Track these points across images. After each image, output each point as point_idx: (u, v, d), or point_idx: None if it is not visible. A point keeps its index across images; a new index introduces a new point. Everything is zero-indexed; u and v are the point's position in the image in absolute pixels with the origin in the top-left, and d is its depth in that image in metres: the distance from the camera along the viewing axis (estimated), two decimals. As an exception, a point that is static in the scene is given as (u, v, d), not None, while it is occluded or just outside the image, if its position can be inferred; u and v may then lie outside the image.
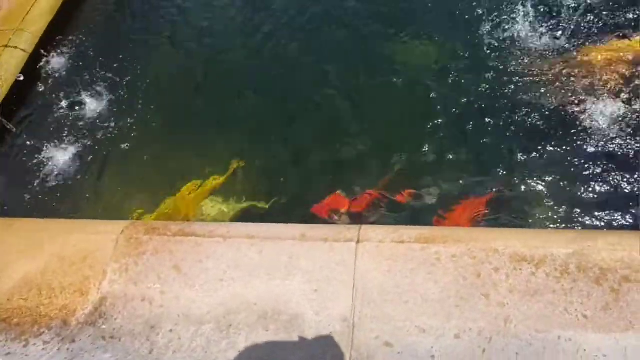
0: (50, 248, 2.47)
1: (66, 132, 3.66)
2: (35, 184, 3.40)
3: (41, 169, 3.48)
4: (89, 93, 3.87)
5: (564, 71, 2.86)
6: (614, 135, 2.57)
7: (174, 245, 2.36)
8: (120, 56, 4.10)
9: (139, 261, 2.33)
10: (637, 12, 3.01)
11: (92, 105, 3.81)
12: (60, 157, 3.54)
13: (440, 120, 3.03)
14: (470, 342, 1.79)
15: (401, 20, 3.67)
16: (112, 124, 3.68)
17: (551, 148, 2.64)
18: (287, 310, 2.02)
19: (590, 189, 2.45)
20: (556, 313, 1.79)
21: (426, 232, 2.12)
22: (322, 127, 3.37)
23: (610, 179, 2.46)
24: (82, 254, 2.43)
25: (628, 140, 2.54)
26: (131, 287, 2.25)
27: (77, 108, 3.82)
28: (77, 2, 4.54)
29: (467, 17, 3.45)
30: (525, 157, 2.71)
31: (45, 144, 3.58)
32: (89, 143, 3.59)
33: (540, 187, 2.58)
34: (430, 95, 3.18)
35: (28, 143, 3.61)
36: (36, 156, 3.55)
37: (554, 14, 3.23)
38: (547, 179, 2.55)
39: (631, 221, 2.30)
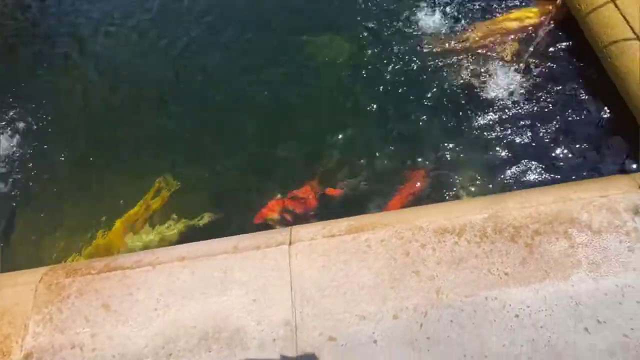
0: (-42, 312, 2.23)
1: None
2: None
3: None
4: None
5: (461, 48, 3.03)
6: (511, 103, 2.77)
7: (99, 282, 2.21)
8: (24, 85, 3.81)
9: (63, 307, 2.15)
10: None
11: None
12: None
13: (358, 109, 3.10)
14: (408, 320, 1.84)
15: (311, 19, 3.72)
16: (21, 161, 3.41)
17: (461, 121, 2.80)
18: (228, 327, 1.97)
19: (495, 153, 2.63)
20: (481, 276, 1.89)
21: (355, 222, 2.15)
22: (246, 132, 3.31)
23: (511, 141, 2.65)
24: (-3, 311, 2.21)
25: (523, 105, 2.75)
26: (58, 336, 2.08)
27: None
28: None
29: (372, 10, 3.55)
30: (439, 132, 2.84)
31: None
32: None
33: (459, 158, 2.72)
34: (347, 87, 3.25)
35: None
36: None
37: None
38: (462, 149, 2.70)
39: (537, 177, 2.49)
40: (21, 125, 3.62)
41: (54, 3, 4.46)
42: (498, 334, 1.73)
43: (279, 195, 2.95)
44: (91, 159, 3.44)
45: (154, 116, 3.56)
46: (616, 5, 2.55)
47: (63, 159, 3.45)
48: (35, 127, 3.61)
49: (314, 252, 2.09)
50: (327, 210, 2.81)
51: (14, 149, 3.51)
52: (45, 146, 3.50)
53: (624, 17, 2.50)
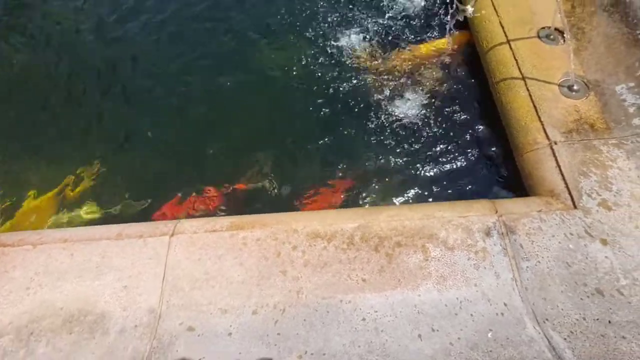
0: None
1: None
2: None
3: None
4: None
5: (383, 69, 3.23)
6: (415, 123, 2.97)
7: (-24, 257, 2.20)
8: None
9: None
10: (438, 22, 3.52)
11: None
12: None
13: (285, 114, 3.23)
14: (265, 316, 1.94)
15: (259, 29, 3.83)
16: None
17: (369, 134, 2.98)
18: (94, 310, 2.01)
19: (393, 167, 2.81)
20: (341, 280, 2.01)
21: (237, 220, 2.25)
22: (183, 126, 3.36)
23: (408, 156, 2.85)
24: None
25: (423, 127, 2.95)
26: None
27: None
28: None
29: (309, 28, 3.71)
30: (352, 143, 2.99)
31: None
32: None
33: (362, 169, 2.87)
34: (278, 91, 3.37)
35: None
36: None
37: (381, 24, 3.61)
38: (364, 161, 2.87)
39: (420, 193, 2.67)
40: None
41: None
42: (342, 335, 1.86)
43: (179, 195, 2.98)
44: (19, 133, 3.41)
45: (90, 101, 3.56)
46: (510, 47, 2.79)
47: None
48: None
49: (193, 245, 2.16)
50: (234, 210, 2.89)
51: None
52: None
53: (515, 58, 2.74)
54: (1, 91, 3.67)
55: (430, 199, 2.64)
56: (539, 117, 2.48)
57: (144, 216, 2.92)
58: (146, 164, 3.23)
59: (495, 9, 2.96)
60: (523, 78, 2.65)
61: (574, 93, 2.58)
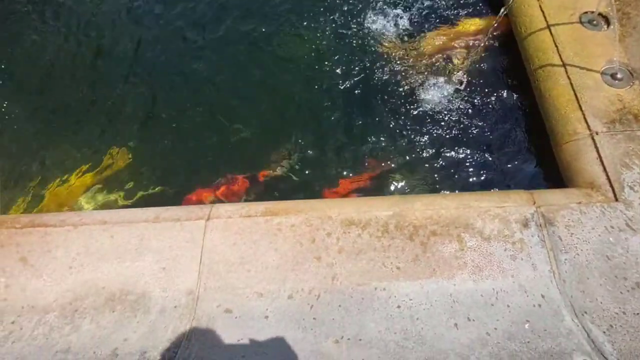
0: None
1: None
2: None
3: None
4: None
5: (411, 54, 3.16)
6: (446, 110, 2.91)
7: (21, 237, 2.28)
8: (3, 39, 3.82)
9: (-19, 256, 2.23)
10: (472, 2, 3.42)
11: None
12: None
13: (313, 105, 3.21)
14: (301, 301, 1.96)
15: (278, 16, 3.78)
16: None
17: (400, 123, 2.94)
18: (135, 290, 2.07)
19: (425, 155, 2.77)
20: (375, 268, 2.02)
21: (271, 206, 2.27)
22: (207, 115, 3.38)
23: (439, 146, 2.80)
24: None
25: (456, 114, 2.89)
26: (-28, 284, 2.16)
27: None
28: None
29: (335, 13, 3.65)
30: (381, 131, 2.96)
31: None
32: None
33: (393, 157, 2.85)
34: (305, 81, 3.34)
35: None
36: None
37: (405, 6, 3.53)
38: (396, 148, 2.84)
39: (454, 182, 2.64)
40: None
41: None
42: (377, 321, 1.87)
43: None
44: (51, 118, 3.48)
45: (120, 86, 3.60)
46: (551, 32, 2.70)
47: (22, 115, 3.48)
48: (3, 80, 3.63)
49: (228, 229, 2.20)
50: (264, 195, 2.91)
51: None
52: (6, 100, 3.52)
53: (555, 44, 2.65)
54: (33, 78, 3.73)
55: (464, 188, 2.61)
56: (580, 106, 2.41)
57: (173, 201, 2.96)
58: (173, 149, 3.27)
59: (534, -8, 2.85)
60: (563, 65, 2.56)
61: (617, 82, 2.49)
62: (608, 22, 2.71)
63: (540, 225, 2.07)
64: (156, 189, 3.12)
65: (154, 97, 3.52)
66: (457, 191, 2.60)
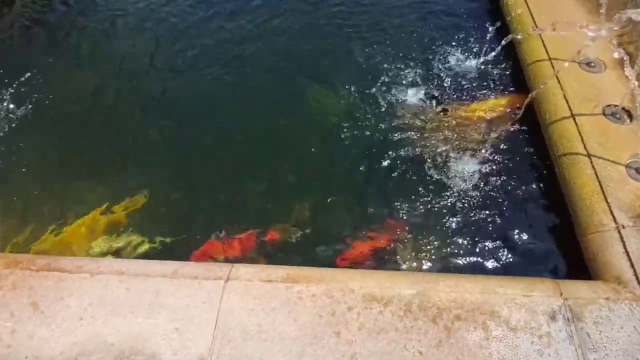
0: None
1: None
2: None
3: None
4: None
5: (436, 126, 3.26)
6: (467, 187, 2.94)
7: (35, 280, 2.24)
8: (32, 72, 3.98)
9: (-7, 297, 2.18)
10: (499, 76, 3.58)
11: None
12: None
13: (338, 164, 3.26)
14: (317, 379, 1.88)
15: (317, 71, 3.95)
16: (8, 145, 3.50)
17: (419, 194, 2.95)
18: (145, 350, 1.99)
19: (442, 230, 2.75)
20: (397, 350, 1.95)
21: (292, 272, 2.23)
22: (234, 163, 3.42)
23: (458, 222, 2.80)
24: None
25: (477, 193, 2.91)
26: (-22, 326, 2.09)
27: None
28: None
29: (370, 77, 3.81)
30: (405, 203, 2.96)
31: None
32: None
33: (409, 227, 2.83)
34: (329, 138, 3.42)
35: None
36: None
37: (436, 78, 3.69)
38: (413, 219, 2.83)
39: (473, 263, 2.60)
40: (12, 107, 3.75)
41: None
42: (397, 411, 1.77)
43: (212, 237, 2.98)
44: (70, 155, 3.54)
45: (145, 128, 3.69)
46: (575, 122, 2.78)
47: (43, 148, 3.55)
48: (26, 111, 3.74)
49: (247, 293, 2.15)
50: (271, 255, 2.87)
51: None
52: (30, 133, 3.61)
53: (580, 133, 2.72)
54: (56, 110, 3.83)
55: (483, 268, 2.57)
56: (606, 198, 2.42)
57: (184, 251, 2.91)
58: (188, 196, 3.27)
59: (559, 82, 2.97)
60: (588, 155, 2.62)
61: (641, 176, 2.52)
62: (631, 116, 2.80)
63: (568, 319, 2.01)
64: (167, 239, 3.08)
65: (175, 142, 3.59)
66: (474, 271, 2.55)
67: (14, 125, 3.65)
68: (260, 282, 2.19)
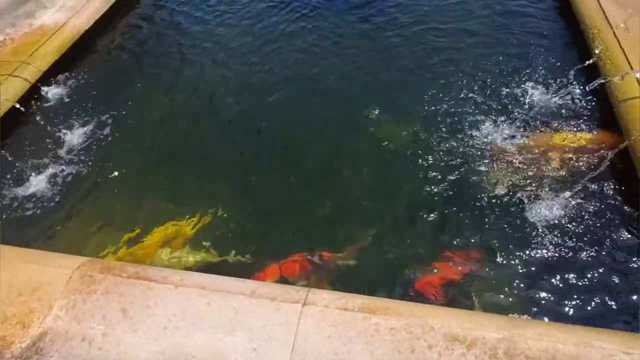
0: (2, 275, 2.48)
1: (49, 161, 3.79)
2: (8, 208, 3.45)
3: (17, 194, 3.56)
4: (80, 127, 4.07)
5: (515, 159, 3.14)
6: (550, 226, 2.78)
7: (125, 287, 2.39)
8: (118, 96, 4.37)
9: (88, 299, 2.34)
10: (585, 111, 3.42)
11: (79, 139, 3.99)
12: (38, 184, 3.63)
13: (402, 195, 3.23)
14: (396, 419, 1.81)
15: (379, 99, 4.00)
16: (96, 159, 3.83)
17: (497, 231, 2.84)
18: (224, 367, 2.03)
19: (524, 271, 2.61)
20: (481, 397, 1.84)
21: (369, 303, 2.20)
22: (298, 186, 3.51)
23: (541, 264, 2.64)
24: (33, 285, 2.44)
25: (562, 233, 2.74)
26: (74, 325, 2.25)
27: (65, 139, 3.98)
28: (83, 46, 4.87)
29: (434, 106, 3.79)
30: (480, 237, 2.86)
31: (27, 170, 3.68)
32: (69, 174, 3.70)
33: (487, 267, 2.72)
34: (398, 169, 3.41)
35: (10, 167, 3.71)
36: (15, 181, 3.64)
37: (515, 111, 3.58)
38: (492, 258, 2.71)
39: (558, 309, 2.42)
40: (98, 127, 4.12)
41: (161, 27, 5.17)
42: None
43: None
44: (153, 169, 3.80)
45: (223, 145, 3.89)
46: (679, 166, 2.57)
47: (129, 163, 3.84)
48: (115, 129, 4.09)
49: (324, 319, 2.15)
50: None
51: (89, 143, 3.97)
52: (116, 148, 3.93)
53: (685, 179, 2.50)
54: (143, 130, 4.13)
55: (568, 317, 2.38)
56: None
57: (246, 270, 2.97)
58: (253, 219, 3.35)
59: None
60: (696, 203, 2.39)
61: None
62: None
63: (679, 385, 1.81)
64: (232, 256, 3.16)
65: (250, 160, 3.74)
66: (558, 319, 2.37)
67: (103, 144, 3.99)
68: (337, 310, 2.18)
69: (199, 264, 3.15)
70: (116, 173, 3.72)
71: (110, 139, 4.00)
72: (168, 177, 3.72)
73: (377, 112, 3.85)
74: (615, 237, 2.72)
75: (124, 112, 4.21)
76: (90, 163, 3.80)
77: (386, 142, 3.62)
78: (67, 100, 4.37)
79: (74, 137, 4.01)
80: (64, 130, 4.04)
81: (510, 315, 2.39)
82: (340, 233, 3.12)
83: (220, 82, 4.46)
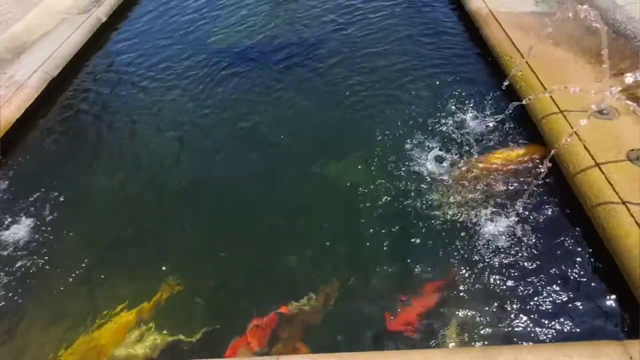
0: None
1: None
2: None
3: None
4: (20, 213, 3.85)
5: (456, 184, 3.33)
6: (498, 248, 2.88)
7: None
8: (63, 177, 4.21)
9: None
10: (513, 130, 3.68)
11: (17, 233, 3.75)
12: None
13: (359, 236, 3.25)
14: None
15: (324, 143, 4.10)
16: (38, 252, 3.59)
17: (447, 258, 2.91)
18: None
19: (481, 297, 2.65)
20: None
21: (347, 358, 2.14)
22: (259, 245, 3.44)
23: (495, 287, 2.70)
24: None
25: (511, 253, 2.83)
26: None
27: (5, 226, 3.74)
28: (25, 126, 4.71)
29: (376, 143, 3.93)
30: (442, 265, 2.90)
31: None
32: (10, 272, 3.44)
33: (442, 297, 2.74)
34: (352, 211, 3.44)
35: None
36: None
37: (453, 138, 3.77)
38: (446, 287, 2.75)
39: (523, 330, 2.46)
40: (43, 212, 3.91)
41: (102, 107, 5.12)
42: None
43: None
44: (102, 251, 3.60)
45: (175, 216, 3.77)
46: (601, 171, 2.78)
47: (76, 252, 3.60)
48: (56, 214, 3.88)
49: (297, 387, 2.05)
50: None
51: (29, 234, 3.74)
52: (58, 235, 3.70)
53: (609, 182, 2.71)
54: (90, 211, 3.96)
55: (536, 337, 2.42)
56: (654, 248, 2.35)
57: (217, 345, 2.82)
58: (216, 287, 3.20)
59: (577, 134, 3.02)
60: (623, 203, 2.58)
61: (684, 219, 2.46)
62: (657, 159, 2.80)
63: (646, 386, 1.86)
64: (199, 334, 3.00)
65: (205, 226, 3.64)
66: (528, 339, 2.41)
67: (49, 227, 3.78)
68: (309, 374, 2.10)
69: (163, 349, 2.95)
70: (63, 264, 3.50)
71: (50, 228, 3.78)
72: (120, 260, 3.53)
73: (324, 157, 3.92)
74: (564, 243, 2.85)
75: (62, 199, 4.01)
76: (33, 257, 3.55)
77: (336, 185, 3.68)
78: (9, 184, 4.15)
79: (11, 232, 3.76)
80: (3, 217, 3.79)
81: (481, 344, 2.39)
82: (306, 284, 3.05)
83: (166, 152, 4.40)
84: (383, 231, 3.23)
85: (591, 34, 3.23)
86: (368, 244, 3.20)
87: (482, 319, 2.55)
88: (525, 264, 2.79)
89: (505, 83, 3.87)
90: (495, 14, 4.60)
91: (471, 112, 3.96)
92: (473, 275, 2.80)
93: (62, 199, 4.03)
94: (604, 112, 3.20)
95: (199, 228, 3.65)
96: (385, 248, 3.12)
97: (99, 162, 4.43)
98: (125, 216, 3.86)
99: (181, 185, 4.04)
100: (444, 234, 3.08)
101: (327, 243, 3.29)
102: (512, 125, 3.72)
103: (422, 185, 3.44)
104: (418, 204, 3.32)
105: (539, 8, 4.56)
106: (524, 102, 3.45)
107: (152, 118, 4.87)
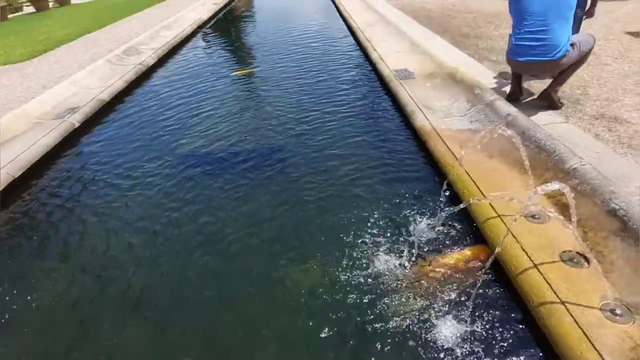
0: None
1: None
2: None
3: None
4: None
5: (416, 285, 3.35)
6: (450, 344, 2.86)
7: None
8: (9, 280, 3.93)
9: None
10: (458, 232, 3.86)
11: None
12: None
13: (321, 340, 3.13)
14: None
15: (287, 248, 4.14)
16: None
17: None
18: None
19: None
20: None
21: None
22: (208, 350, 3.23)
23: None
24: None
25: (465, 347, 2.82)
26: None
27: None
28: None
29: (336, 247, 4.03)
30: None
31: None
32: None
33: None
34: (316, 314, 3.36)
35: None
36: None
37: (401, 241, 3.94)
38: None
39: None
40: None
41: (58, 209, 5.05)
42: None
43: None
44: None
45: (126, 325, 3.53)
46: (539, 271, 2.95)
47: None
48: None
49: None
50: None
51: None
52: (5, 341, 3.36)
53: (547, 282, 2.86)
54: (30, 319, 3.68)
55: None
56: (594, 346, 2.41)
57: None
58: None
59: (514, 236, 3.26)
60: (562, 302, 2.70)
61: (618, 317, 2.58)
62: (587, 259, 3.02)
63: None
64: None
65: (152, 341, 3.41)
66: None
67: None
68: None
69: None
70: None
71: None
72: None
73: (283, 263, 3.94)
74: (517, 344, 2.87)
75: (12, 298, 3.73)
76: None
77: (298, 289, 3.64)
78: None
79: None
80: None
81: None
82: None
83: (123, 262, 4.28)
84: (344, 333, 3.14)
85: (516, 149, 3.68)
86: (329, 347, 3.09)
87: None
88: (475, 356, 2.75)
89: (451, 190, 4.23)
90: (438, 130, 5.21)
91: (420, 213, 4.22)
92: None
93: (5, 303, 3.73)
94: (536, 216, 3.51)
95: (147, 340, 3.41)
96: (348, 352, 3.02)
97: (46, 264, 4.23)
98: (67, 323, 3.57)
99: (137, 290, 3.86)
100: (400, 338, 3.03)
101: (288, 351, 3.15)
102: (461, 228, 3.97)
103: (377, 287, 3.47)
104: (373, 305, 3.31)
105: (474, 126, 5.23)
106: (466, 206, 3.74)
107: (108, 217, 4.83)
